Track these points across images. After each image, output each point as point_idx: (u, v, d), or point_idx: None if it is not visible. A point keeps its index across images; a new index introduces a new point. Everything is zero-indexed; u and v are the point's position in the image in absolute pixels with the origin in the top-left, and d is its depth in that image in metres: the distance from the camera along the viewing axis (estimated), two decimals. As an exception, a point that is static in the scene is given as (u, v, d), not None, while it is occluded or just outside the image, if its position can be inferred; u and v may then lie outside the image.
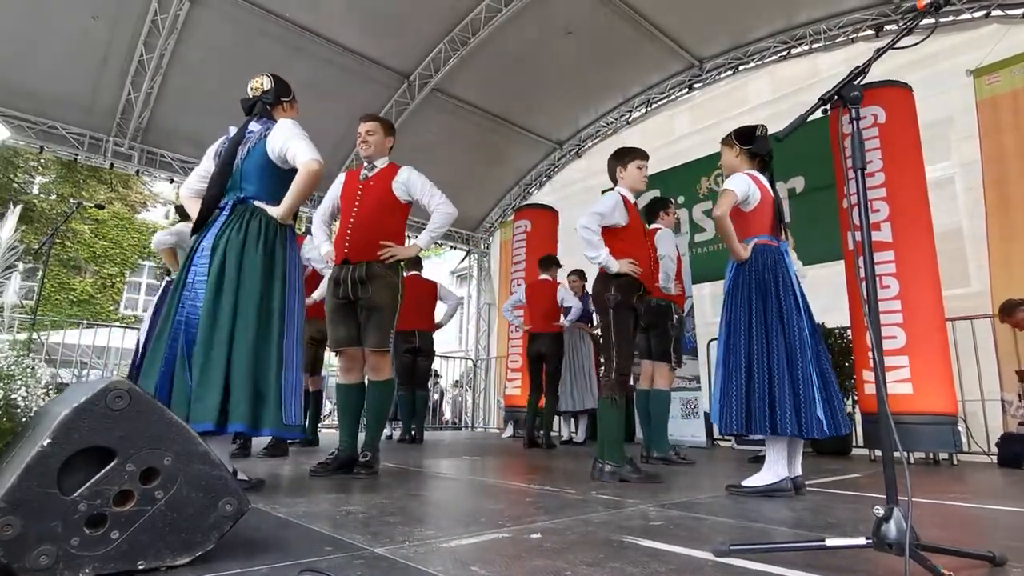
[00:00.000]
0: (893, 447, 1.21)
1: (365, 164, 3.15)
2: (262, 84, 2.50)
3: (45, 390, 1.59)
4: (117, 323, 12.84)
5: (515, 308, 5.80)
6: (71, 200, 13.71)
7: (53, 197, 15.78)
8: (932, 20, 1.41)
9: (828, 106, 1.45)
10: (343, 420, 3.05)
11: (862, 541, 1.23)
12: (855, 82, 1.37)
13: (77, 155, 6.54)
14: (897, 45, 1.45)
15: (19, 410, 1.57)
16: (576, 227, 2.98)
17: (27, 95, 6.07)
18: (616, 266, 2.90)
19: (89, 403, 1.14)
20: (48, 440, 1.08)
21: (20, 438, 1.37)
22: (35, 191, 16.00)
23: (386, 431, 6.20)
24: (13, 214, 1.94)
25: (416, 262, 5.47)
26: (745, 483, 2.47)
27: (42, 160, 14.85)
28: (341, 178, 3.23)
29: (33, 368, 1.59)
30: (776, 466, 2.45)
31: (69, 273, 16.06)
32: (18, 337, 1.58)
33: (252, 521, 1.61)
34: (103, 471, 1.13)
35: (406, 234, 3.22)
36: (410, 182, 3.08)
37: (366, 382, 3.07)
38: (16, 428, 1.61)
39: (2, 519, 1.02)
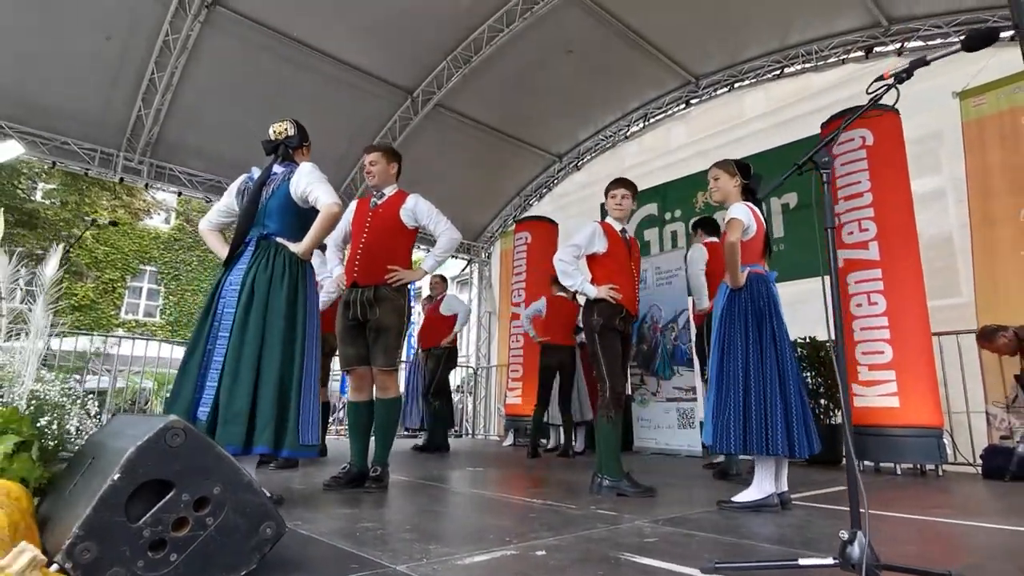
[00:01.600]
0: (856, 480, 1.37)
1: (374, 192, 3.30)
2: (286, 129, 2.71)
3: (95, 421, 1.74)
4: (126, 333, 12.97)
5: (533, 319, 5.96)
6: (85, 218, 13.86)
7: (57, 204, 15.91)
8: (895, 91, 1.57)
9: (803, 165, 1.61)
10: (353, 436, 3.19)
11: (830, 561, 1.39)
12: (827, 148, 1.54)
13: (88, 170, 6.70)
14: (880, 85, 1.63)
15: (71, 437, 1.73)
16: (553, 260, 3.20)
17: (41, 112, 6.24)
18: (594, 291, 3.11)
19: (151, 441, 1.29)
20: (118, 475, 1.24)
21: (80, 466, 1.52)
22: (38, 197, 16.13)
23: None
24: (56, 253, 2.10)
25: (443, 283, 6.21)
26: (735, 499, 2.62)
27: (46, 167, 15.00)
28: (353, 205, 3.40)
29: (84, 399, 1.75)
30: (764, 483, 2.61)
31: (71, 278, 16.20)
32: (36, 346, 1.70)
33: (281, 539, 1.76)
34: (163, 501, 1.29)
35: (414, 249, 3.40)
36: (417, 209, 3.23)
37: (375, 400, 3.21)
38: (60, 451, 1.77)
39: (81, 544, 1.18)
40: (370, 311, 3.06)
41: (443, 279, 6.57)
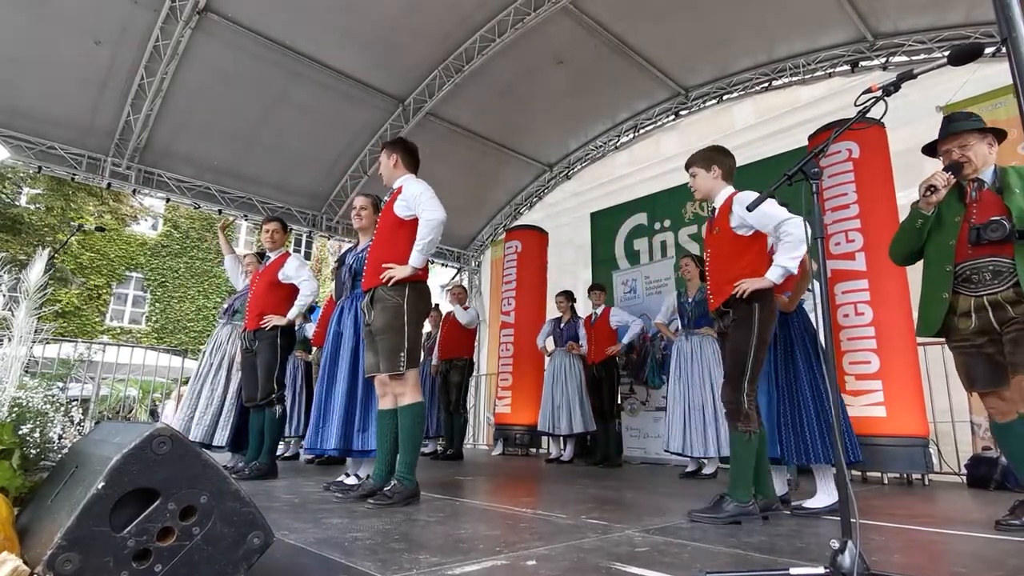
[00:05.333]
0: (848, 489, 1.37)
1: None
2: None
3: (78, 429, 1.71)
4: (111, 340, 12.77)
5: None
6: (71, 223, 13.69)
7: (42, 209, 15.71)
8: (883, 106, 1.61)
9: (793, 175, 1.63)
10: (377, 448, 3.03)
11: (821, 570, 1.39)
12: (816, 159, 1.55)
13: (75, 175, 6.63)
14: (865, 100, 1.65)
15: (54, 445, 1.69)
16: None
17: (27, 116, 6.18)
18: None
19: (137, 448, 1.27)
20: (103, 483, 1.22)
21: (63, 475, 1.49)
22: (23, 202, 15.91)
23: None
24: (41, 258, 2.06)
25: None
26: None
27: (31, 172, 14.80)
28: (365, 203, 3.57)
29: (68, 407, 1.72)
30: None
31: (55, 284, 15.96)
32: (19, 352, 1.66)
33: (269, 549, 1.73)
34: (148, 510, 1.26)
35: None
36: (406, 194, 2.99)
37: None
38: (43, 460, 1.73)
39: (63, 555, 1.15)
40: (368, 315, 2.96)
41: (464, 290, 6.70)
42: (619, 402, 5.96)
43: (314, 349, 5.51)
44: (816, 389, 2.79)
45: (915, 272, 4.83)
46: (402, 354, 2.87)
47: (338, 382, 3.35)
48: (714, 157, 2.80)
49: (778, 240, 2.55)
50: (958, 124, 2.55)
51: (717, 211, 2.74)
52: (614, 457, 5.62)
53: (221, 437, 4.25)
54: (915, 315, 4.69)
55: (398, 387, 2.92)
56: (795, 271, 2.54)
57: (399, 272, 2.89)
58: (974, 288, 2.38)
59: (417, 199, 2.95)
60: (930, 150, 2.69)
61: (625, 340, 5.64)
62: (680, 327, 4.91)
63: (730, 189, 2.74)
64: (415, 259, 2.90)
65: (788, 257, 2.50)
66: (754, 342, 2.50)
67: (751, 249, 2.61)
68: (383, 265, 2.93)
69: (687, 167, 2.88)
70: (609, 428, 5.66)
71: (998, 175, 2.45)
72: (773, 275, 2.52)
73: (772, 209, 2.49)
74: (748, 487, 2.50)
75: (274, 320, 3.95)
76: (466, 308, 6.42)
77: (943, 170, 2.44)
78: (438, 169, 8.22)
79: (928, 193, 2.39)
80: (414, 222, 2.98)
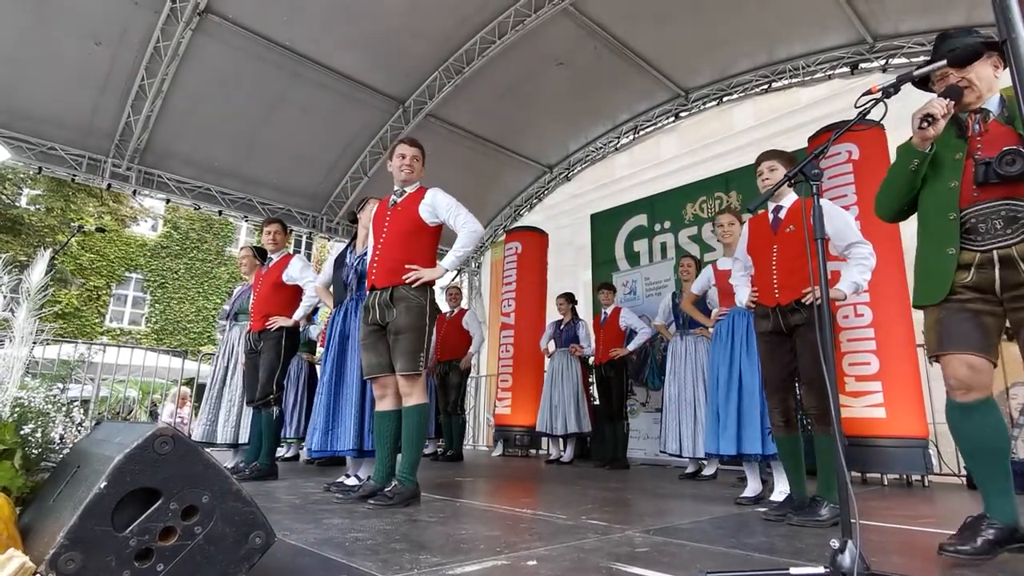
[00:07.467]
0: (848, 489, 1.37)
1: (396, 190, 3.18)
2: None
3: (78, 429, 1.72)
4: (111, 341, 12.77)
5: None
6: (71, 224, 13.70)
7: (42, 210, 15.72)
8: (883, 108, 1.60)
9: (793, 176, 1.64)
10: (377, 450, 3.03)
11: (821, 570, 1.39)
12: (816, 160, 1.56)
13: (75, 176, 6.64)
14: (865, 99, 1.66)
15: (56, 445, 1.70)
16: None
17: (28, 117, 6.18)
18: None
19: (139, 448, 1.27)
20: (105, 483, 1.22)
21: (65, 474, 1.50)
22: (23, 203, 15.92)
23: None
24: (43, 259, 2.07)
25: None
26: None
27: (31, 172, 14.80)
28: (374, 207, 3.41)
29: (69, 407, 1.72)
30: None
31: (55, 285, 15.96)
32: (21, 353, 1.67)
33: (270, 549, 1.74)
34: (150, 510, 1.27)
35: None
36: (436, 203, 3.05)
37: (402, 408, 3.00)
38: (44, 460, 1.74)
39: (66, 554, 1.16)
40: (387, 313, 2.93)
41: (459, 291, 6.71)
42: (627, 403, 5.97)
43: (319, 350, 5.55)
44: (754, 387, 2.85)
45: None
46: (421, 354, 2.91)
47: (348, 384, 3.37)
48: (796, 160, 2.78)
49: (848, 256, 2.66)
50: (955, 40, 1.98)
51: (786, 211, 2.74)
52: (621, 459, 5.60)
53: (246, 434, 4.29)
54: (915, 315, 4.77)
55: (407, 387, 2.92)
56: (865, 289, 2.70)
57: (428, 274, 2.95)
58: (980, 240, 1.85)
59: (451, 210, 3.04)
60: (922, 81, 2.04)
61: (631, 347, 5.62)
62: (675, 327, 4.92)
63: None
64: (450, 263, 3.02)
65: (863, 277, 2.60)
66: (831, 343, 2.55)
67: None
68: (407, 266, 2.95)
69: (764, 159, 2.87)
70: (617, 429, 5.64)
71: (1006, 103, 1.93)
72: (847, 288, 2.60)
73: (855, 225, 2.62)
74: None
75: (280, 321, 3.98)
76: (462, 312, 6.44)
77: (939, 96, 1.89)
78: (438, 170, 8.20)
79: (924, 124, 1.85)
80: (437, 228, 3.09)
